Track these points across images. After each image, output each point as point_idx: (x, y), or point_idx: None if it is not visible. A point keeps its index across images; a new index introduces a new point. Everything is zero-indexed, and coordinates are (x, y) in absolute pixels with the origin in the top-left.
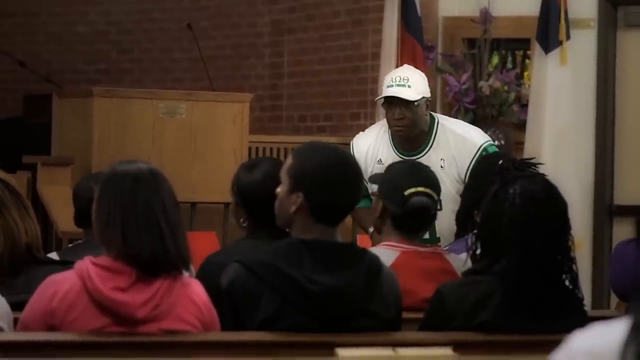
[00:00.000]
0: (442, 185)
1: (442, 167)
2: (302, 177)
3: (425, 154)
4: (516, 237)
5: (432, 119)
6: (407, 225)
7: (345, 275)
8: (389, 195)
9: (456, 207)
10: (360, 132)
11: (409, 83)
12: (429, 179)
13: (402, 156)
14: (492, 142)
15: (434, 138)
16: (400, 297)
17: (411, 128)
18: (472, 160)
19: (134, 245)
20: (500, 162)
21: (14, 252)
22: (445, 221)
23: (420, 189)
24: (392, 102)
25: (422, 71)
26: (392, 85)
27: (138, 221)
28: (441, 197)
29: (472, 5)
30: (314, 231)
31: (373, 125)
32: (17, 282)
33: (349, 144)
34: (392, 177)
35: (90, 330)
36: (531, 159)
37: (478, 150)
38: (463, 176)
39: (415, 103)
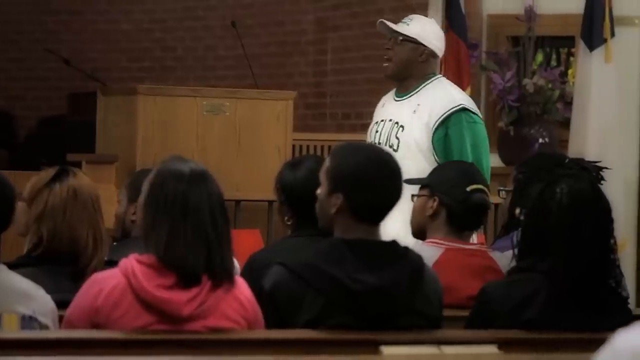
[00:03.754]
0: (407, 125)
1: (414, 111)
2: (340, 178)
3: (408, 98)
4: (563, 236)
5: (433, 75)
6: (465, 221)
7: (388, 274)
8: (449, 192)
9: (418, 155)
10: None
11: (410, 22)
12: (484, 179)
13: (395, 97)
14: (474, 112)
15: (423, 87)
16: (442, 295)
17: (394, 64)
18: (446, 112)
19: (177, 254)
20: (563, 160)
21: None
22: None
23: (480, 186)
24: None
25: (466, 69)
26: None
27: (185, 229)
28: (399, 137)
29: (517, 3)
30: (355, 231)
31: None
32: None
33: None
34: (448, 175)
35: (135, 328)
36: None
37: (456, 106)
38: (432, 125)
39: (400, 38)
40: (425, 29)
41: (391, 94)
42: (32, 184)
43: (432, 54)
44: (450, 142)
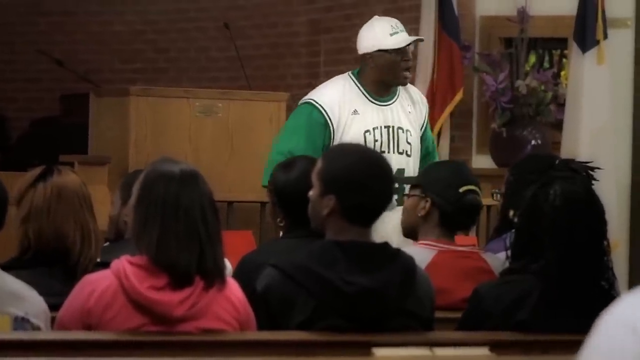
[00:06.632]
0: (411, 129)
1: (409, 112)
2: (333, 180)
3: (397, 99)
4: (556, 238)
5: None
6: (458, 222)
7: (380, 276)
8: (441, 193)
9: (417, 157)
10: (316, 89)
11: (402, 27)
12: (476, 179)
13: (377, 102)
14: None
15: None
16: (434, 297)
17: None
18: (426, 108)
19: (169, 254)
20: (555, 162)
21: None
22: (412, 167)
23: (472, 187)
24: (404, 48)
25: (459, 70)
26: (397, 32)
27: (177, 230)
28: (410, 141)
29: (509, 4)
30: (347, 233)
31: (330, 81)
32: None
33: None
34: (441, 176)
35: (127, 329)
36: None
37: (424, 100)
38: (421, 123)
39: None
40: None
41: (356, 98)
42: (18, 185)
43: None
44: (427, 135)
